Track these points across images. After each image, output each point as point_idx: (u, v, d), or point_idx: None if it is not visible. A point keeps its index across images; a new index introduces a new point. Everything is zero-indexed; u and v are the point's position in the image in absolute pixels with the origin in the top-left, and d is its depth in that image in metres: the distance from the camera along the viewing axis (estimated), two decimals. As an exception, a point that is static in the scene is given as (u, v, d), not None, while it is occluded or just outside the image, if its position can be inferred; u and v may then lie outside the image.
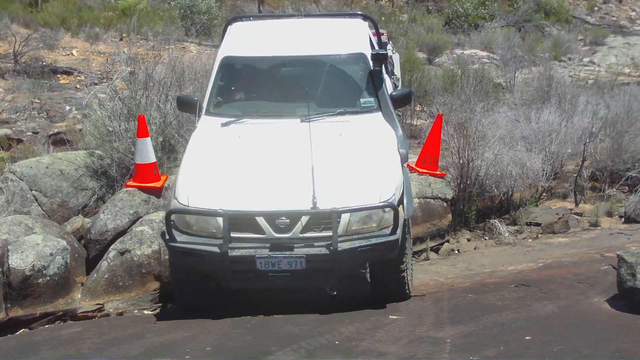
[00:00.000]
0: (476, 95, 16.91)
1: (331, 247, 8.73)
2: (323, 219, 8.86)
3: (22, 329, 9.66)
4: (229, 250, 8.75)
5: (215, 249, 8.81)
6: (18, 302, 9.82)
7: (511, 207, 14.84)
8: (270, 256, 8.75)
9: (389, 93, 10.84)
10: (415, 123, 20.27)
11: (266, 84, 10.97)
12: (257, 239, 8.88)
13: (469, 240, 14.06)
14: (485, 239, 14.09)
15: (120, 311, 10.19)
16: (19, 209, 11.90)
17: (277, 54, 11.07)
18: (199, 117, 10.60)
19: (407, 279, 9.72)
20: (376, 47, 11.73)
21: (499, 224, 14.24)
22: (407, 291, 9.84)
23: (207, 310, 9.37)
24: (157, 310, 10.35)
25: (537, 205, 15.33)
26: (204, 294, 9.65)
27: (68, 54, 27.36)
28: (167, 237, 9.10)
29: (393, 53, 14.46)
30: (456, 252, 13.55)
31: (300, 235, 8.87)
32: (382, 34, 14.42)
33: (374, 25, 12.36)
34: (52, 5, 32.39)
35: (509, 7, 43.79)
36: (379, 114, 10.43)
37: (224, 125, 10.29)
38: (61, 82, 24.59)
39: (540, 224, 14.44)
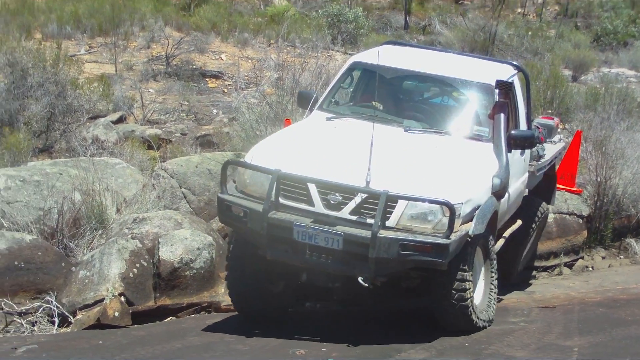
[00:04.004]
0: (618, 114, 16.84)
1: (372, 232, 8.13)
2: (377, 204, 8.23)
3: (170, 317, 10.16)
4: (269, 212, 8.42)
5: (257, 207, 8.48)
6: (166, 292, 10.33)
7: (648, 227, 14.78)
8: (308, 226, 8.28)
9: (509, 130, 10.03)
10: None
11: (385, 94, 10.42)
12: (305, 211, 8.47)
13: (603, 258, 14.11)
14: (620, 258, 14.13)
15: (260, 306, 10.59)
16: (168, 205, 12.37)
17: (404, 67, 10.75)
18: (310, 111, 10.40)
19: (471, 310, 8.81)
20: (521, 106, 10.93)
21: (635, 244, 14.23)
22: (474, 322, 8.93)
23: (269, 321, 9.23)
24: (297, 308, 10.62)
25: (675, 227, 15.24)
26: (262, 296, 9.32)
27: (217, 58, 28.08)
28: (220, 190, 8.96)
29: (558, 142, 12.71)
30: (590, 268, 13.66)
31: (349, 217, 8.35)
32: (551, 118, 13.48)
33: (526, 79, 11.52)
34: (204, 9, 33.20)
35: (660, 25, 42.97)
36: (490, 145, 9.75)
37: (328, 119, 10.07)
38: (209, 85, 25.28)
39: (678, 245, 14.39)
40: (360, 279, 8.47)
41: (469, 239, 8.58)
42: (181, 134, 20.22)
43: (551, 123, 12.67)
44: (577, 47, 34.36)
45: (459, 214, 8.39)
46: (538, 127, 11.88)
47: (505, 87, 10.03)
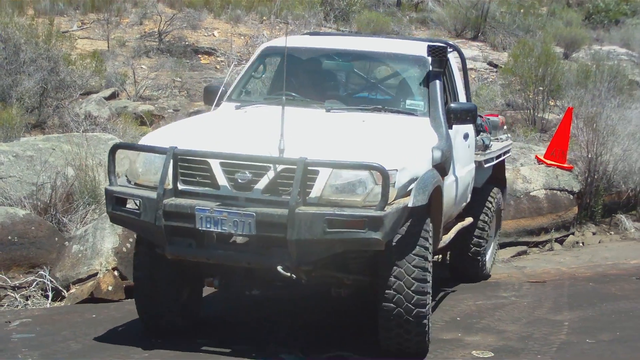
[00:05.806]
0: (609, 92, 16.92)
1: (289, 208, 6.81)
2: (293, 178, 6.92)
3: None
4: (165, 199, 7.09)
5: (151, 195, 7.13)
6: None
7: (638, 203, 14.88)
8: (212, 210, 6.95)
9: (448, 104, 8.83)
10: (547, 117, 20.36)
11: (303, 77, 9.33)
12: (210, 196, 7.15)
13: (594, 234, 14.25)
14: (611, 234, 14.26)
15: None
16: (162, 180, 12.43)
17: (323, 46, 9.70)
18: (218, 105, 8.97)
19: (427, 327, 7.35)
20: (459, 83, 9.86)
21: (625, 220, 14.39)
22: (426, 342, 7.46)
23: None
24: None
25: (665, 203, 15.35)
26: (171, 309, 7.92)
27: (210, 35, 28.03)
28: (108, 181, 7.62)
29: (505, 140, 11.68)
30: (580, 244, 13.80)
31: (263, 197, 7.04)
32: (496, 115, 12.45)
33: (461, 57, 10.52)
34: (197, -14, 33.14)
35: (652, 3, 42.91)
36: (426, 119, 8.48)
37: (237, 107, 8.83)
38: (202, 62, 25.25)
39: (668, 221, 14.52)
40: (279, 268, 7.03)
41: (414, 215, 7.26)
42: (173, 110, 20.27)
43: (496, 120, 11.71)
44: (569, 25, 34.38)
45: (394, 183, 7.05)
46: (482, 117, 10.99)
47: (439, 54, 8.67)
